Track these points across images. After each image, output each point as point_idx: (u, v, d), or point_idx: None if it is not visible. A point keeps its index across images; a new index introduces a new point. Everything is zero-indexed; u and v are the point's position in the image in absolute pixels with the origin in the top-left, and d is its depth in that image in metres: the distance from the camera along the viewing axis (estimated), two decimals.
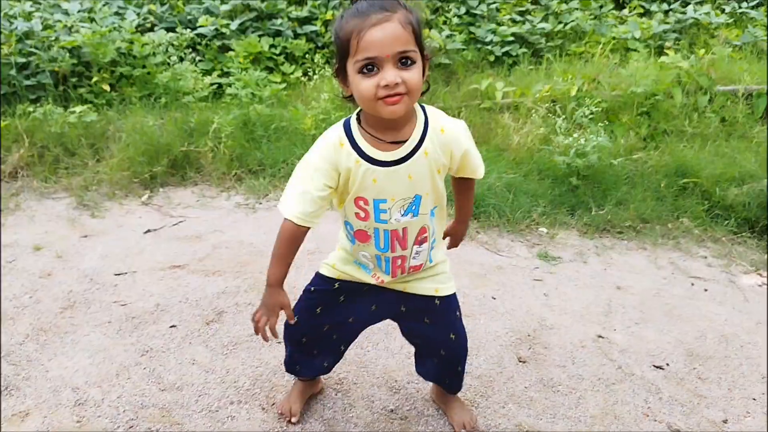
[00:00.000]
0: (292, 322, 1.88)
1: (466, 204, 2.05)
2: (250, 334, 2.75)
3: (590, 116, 4.64)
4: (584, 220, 4.07)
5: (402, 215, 1.73)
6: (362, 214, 1.74)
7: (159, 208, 4.11)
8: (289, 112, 4.99)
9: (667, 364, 2.80)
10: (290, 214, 1.70)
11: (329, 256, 2.03)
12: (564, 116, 4.77)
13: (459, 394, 2.31)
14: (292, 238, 1.75)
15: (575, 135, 4.32)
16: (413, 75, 1.49)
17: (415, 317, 2.03)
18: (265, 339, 1.80)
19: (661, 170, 4.43)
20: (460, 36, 6.06)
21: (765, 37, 6.17)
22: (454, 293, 2.00)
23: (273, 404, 2.31)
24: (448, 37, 5.98)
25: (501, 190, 4.16)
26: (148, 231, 3.77)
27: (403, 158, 1.65)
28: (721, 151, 4.61)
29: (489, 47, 6.07)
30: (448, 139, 1.70)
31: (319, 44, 6.20)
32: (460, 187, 1.97)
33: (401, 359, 2.62)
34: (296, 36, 6.13)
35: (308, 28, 6.20)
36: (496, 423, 2.30)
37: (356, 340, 2.73)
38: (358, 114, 1.68)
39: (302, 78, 5.70)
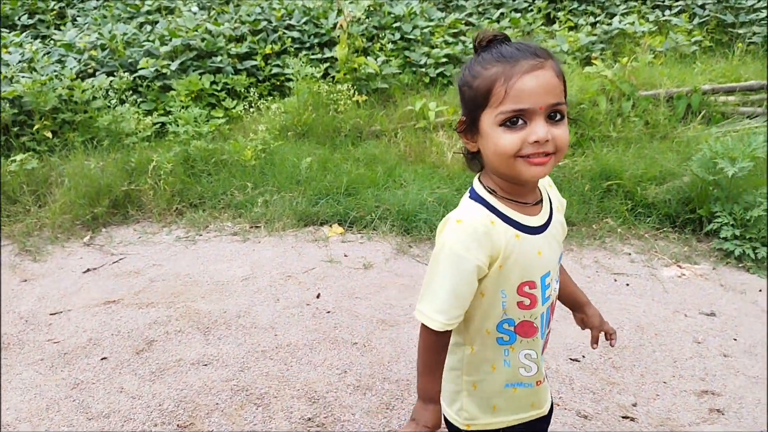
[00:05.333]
0: None
1: (572, 281, 1.73)
2: (177, 359, 2.84)
3: None
4: None
5: (556, 282, 1.47)
6: (528, 302, 1.39)
7: (101, 247, 4.19)
8: (230, 146, 5.12)
9: (583, 356, 2.94)
10: (437, 324, 1.34)
11: (457, 411, 1.51)
12: None
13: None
14: (444, 344, 1.41)
15: None
16: (564, 132, 1.27)
17: None
18: None
19: (586, 174, 4.63)
20: (395, 61, 6.27)
21: (686, 42, 6.47)
22: None
23: (192, 423, 2.40)
24: (384, 62, 6.18)
25: (433, 204, 4.31)
26: (88, 270, 3.85)
27: (549, 217, 1.42)
28: (643, 152, 4.83)
29: (424, 69, 6.28)
30: (557, 195, 1.53)
31: (260, 78, 6.37)
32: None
33: (323, 371, 2.72)
34: (237, 72, 6.29)
35: (248, 63, 6.36)
36: None
37: (280, 356, 2.86)
38: (480, 181, 1.40)
39: (242, 112, 5.85)
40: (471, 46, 6.43)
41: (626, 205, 4.37)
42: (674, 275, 3.79)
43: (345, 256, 3.94)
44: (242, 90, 6.11)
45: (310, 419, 2.43)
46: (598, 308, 1.77)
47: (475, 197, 1.37)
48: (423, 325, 1.36)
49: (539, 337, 1.43)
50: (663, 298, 3.51)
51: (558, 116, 1.26)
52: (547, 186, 1.49)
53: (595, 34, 6.75)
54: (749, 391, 2.70)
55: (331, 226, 4.36)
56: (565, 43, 6.40)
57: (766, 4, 7.15)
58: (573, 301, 1.73)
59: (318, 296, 3.45)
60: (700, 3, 7.53)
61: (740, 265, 3.87)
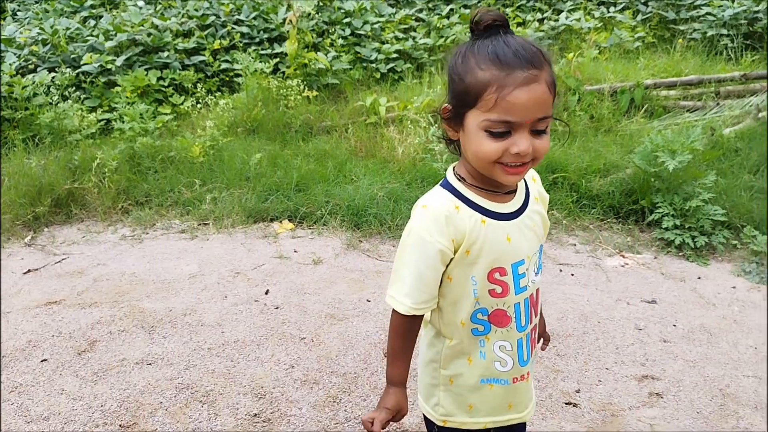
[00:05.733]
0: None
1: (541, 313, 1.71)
2: (120, 359, 2.79)
3: None
4: None
5: (536, 274, 1.47)
6: (499, 290, 1.40)
7: (42, 247, 4.08)
8: (177, 142, 5.04)
9: None
10: (404, 308, 1.38)
11: (433, 406, 1.54)
12: (437, 124, 5.00)
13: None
14: (411, 330, 1.45)
15: None
16: (544, 143, 1.27)
17: None
18: None
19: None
20: (346, 56, 6.26)
21: (630, 38, 6.63)
22: None
23: (134, 423, 2.36)
24: (334, 58, 6.17)
25: (383, 199, 4.32)
26: (29, 271, 3.74)
27: (523, 206, 1.44)
28: (587, 146, 4.93)
29: (374, 65, 6.29)
30: (539, 188, 1.53)
31: (208, 74, 6.28)
32: None
33: (270, 366, 2.71)
34: (184, 67, 6.19)
35: (196, 59, 6.27)
36: (356, 415, 2.42)
37: (227, 353, 2.83)
38: (453, 169, 1.43)
39: (190, 108, 5.76)
40: (420, 40, 6.53)
41: (571, 197, 4.46)
42: (617, 265, 3.89)
43: (295, 251, 3.92)
44: (190, 86, 6.03)
45: (256, 415, 2.41)
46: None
47: (445, 184, 1.40)
48: (393, 310, 1.40)
49: (514, 328, 1.44)
50: (606, 287, 3.60)
51: (543, 126, 1.27)
52: (530, 179, 1.50)
53: (543, 30, 6.86)
54: (687, 374, 2.79)
55: (281, 222, 4.33)
56: None
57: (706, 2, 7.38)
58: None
59: (267, 292, 3.42)
60: (643, 0, 7.73)
61: (680, 253, 3.99)
